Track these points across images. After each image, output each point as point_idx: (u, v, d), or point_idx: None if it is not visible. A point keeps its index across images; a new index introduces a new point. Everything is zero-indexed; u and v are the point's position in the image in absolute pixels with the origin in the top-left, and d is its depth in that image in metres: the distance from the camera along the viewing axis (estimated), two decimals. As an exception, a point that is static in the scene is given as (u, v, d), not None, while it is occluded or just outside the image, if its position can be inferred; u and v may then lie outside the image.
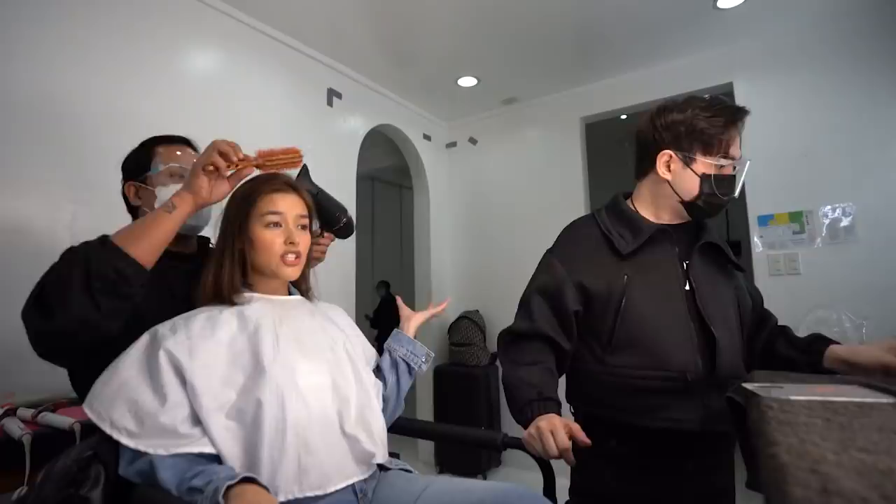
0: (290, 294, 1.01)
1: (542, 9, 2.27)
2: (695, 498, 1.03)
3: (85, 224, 1.67)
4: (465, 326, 3.17)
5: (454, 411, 3.10)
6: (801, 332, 1.57)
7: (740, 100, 2.59)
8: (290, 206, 0.93)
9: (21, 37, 1.57)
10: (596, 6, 2.26)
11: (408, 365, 1.11)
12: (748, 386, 0.74)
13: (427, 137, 3.54)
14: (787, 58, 2.48)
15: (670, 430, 0.98)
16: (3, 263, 1.47)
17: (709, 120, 1.00)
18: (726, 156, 1.01)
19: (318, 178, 1.20)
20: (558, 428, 0.86)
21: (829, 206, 2.32)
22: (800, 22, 2.40)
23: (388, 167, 4.62)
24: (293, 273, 0.93)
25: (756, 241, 2.49)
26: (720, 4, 2.25)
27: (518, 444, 1.00)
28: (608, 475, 1.04)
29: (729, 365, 1.00)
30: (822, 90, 2.38)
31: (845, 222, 2.27)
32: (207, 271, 0.91)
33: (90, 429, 0.81)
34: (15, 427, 1.09)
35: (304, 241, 0.94)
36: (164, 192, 1.03)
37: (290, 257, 0.91)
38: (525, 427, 0.95)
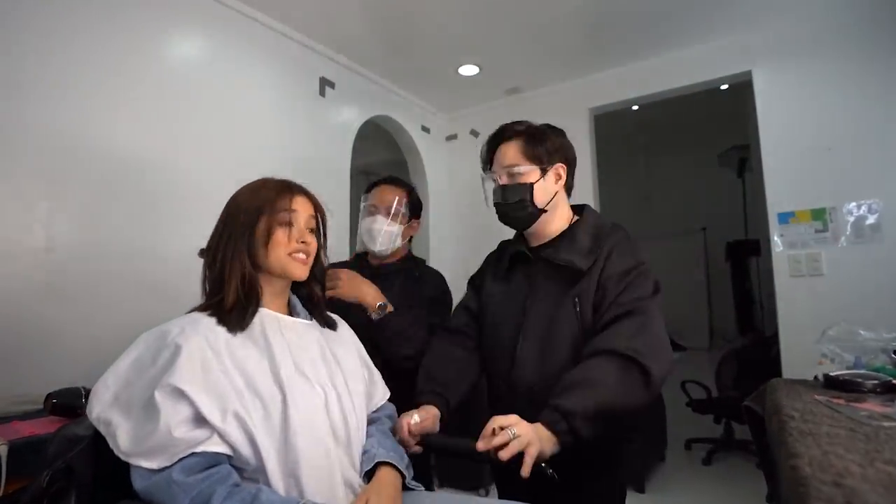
0: (289, 305, 1.03)
1: (549, -8, 2.27)
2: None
3: (61, 222, 1.68)
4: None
5: (453, 421, 3.09)
6: (821, 346, 1.57)
7: (759, 89, 2.59)
8: (302, 207, 0.97)
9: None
10: (606, -10, 2.25)
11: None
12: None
13: (426, 130, 3.54)
14: (808, 45, 2.47)
15: None
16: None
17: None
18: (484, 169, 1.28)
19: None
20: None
21: (853, 203, 2.31)
22: (822, 8, 2.40)
23: (384, 161, 4.61)
24: (301, 272, 0.96)
25: (776, 239, 2.49)
26: (738, -11, 2.24)
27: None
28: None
29: (523, 375, 1.11)
30: (847, 80, 2.37)
31: (871, 220, 2.27)
32: (223, 274, 0.92)
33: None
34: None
35: (313, 241, 0.98)
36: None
37: (301, 255, 0.95)
38: None
